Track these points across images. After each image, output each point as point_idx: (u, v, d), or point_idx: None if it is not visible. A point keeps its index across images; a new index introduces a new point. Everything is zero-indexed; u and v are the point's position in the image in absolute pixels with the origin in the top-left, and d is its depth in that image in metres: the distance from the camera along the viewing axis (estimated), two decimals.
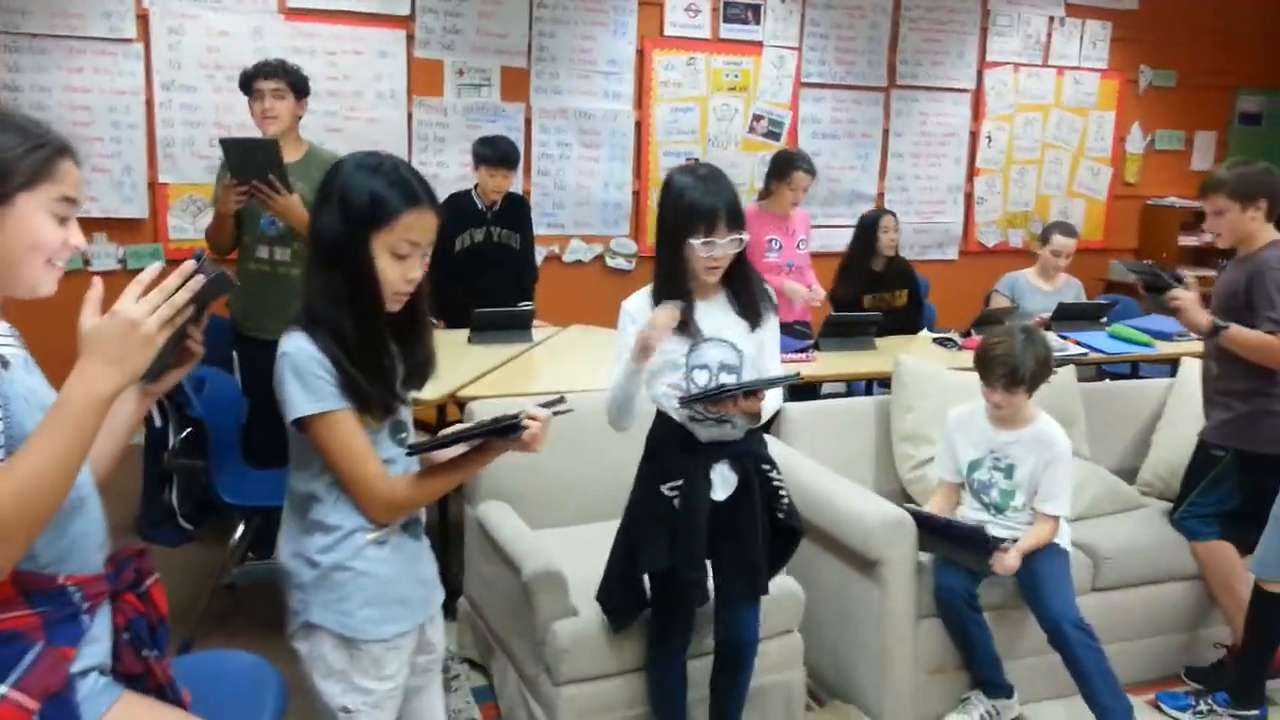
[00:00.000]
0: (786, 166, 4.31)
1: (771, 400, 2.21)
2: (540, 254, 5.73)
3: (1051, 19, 6.75)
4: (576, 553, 2.65)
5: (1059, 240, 4.68)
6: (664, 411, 2.24)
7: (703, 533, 2.19)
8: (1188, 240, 7.15)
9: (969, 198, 6.78)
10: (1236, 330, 2.77)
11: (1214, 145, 7.43)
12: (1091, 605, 2.82)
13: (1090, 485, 3.16)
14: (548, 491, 2.84)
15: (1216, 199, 2.91)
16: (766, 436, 3.20)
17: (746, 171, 6.16)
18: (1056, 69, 6.83)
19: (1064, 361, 3.78)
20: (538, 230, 5.71)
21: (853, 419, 3.32)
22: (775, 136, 6.22)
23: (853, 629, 2.73)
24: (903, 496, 3.20)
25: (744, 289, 2.24)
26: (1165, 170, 7.30)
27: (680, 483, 2.20)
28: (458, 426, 2.30)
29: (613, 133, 5.83)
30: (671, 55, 5.88)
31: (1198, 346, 4.19)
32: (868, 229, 4.68)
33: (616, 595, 2.32)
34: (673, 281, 2.16)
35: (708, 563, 2.24)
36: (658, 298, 2.17)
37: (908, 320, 4.66)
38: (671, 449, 2.23)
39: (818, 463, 3.02)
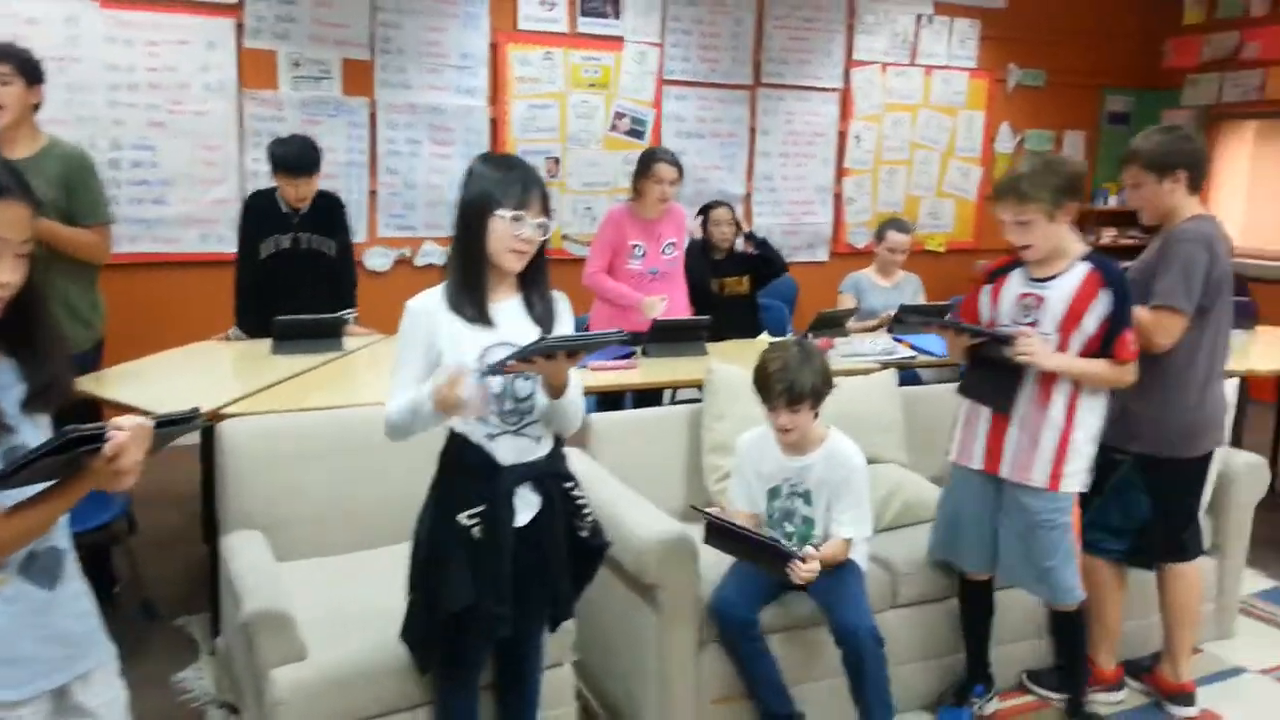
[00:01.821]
0: (648, 160, 4.14)
1: (574, 409, 2.06)
2: (390, 257, 5.52)
3: (919, 17, 6.72)
4: (342, 584, 2.46)
5: (894, 237, 4.68)
6: (458, 431, 2.03)
7: (508, 562, 2.01)
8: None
9: (838, 198, 6.72)
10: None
11: (1083, 144, 7.51)
12: (892, 623, 2.72)
13: (900, 494, 3.05)
14: (313, 516, 2.62)
15: (1132, 171, 2.68)
16: (570, 449, 3.09)
17: (610, 170, 6.01)
18: (925, 68, 6.80)
19: (887, 364, 3.70)
20: (385, 232, 5.52)
21: (664, 429, 3.16)
22: (639, 135, 6.07)
23: (637, 655, 2.57)
24: None
25: (539, 293, 2.08)
26: None
27: (480, 510, 2.00)
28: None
29: (466, 129, 5.61)
30: (527, 49, 5.68)
31: None
32: (702, 220, 4.61)
33: (420, 633, 2.10)
34: (470, 272, 1.98)
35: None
36: (451, 292, 1.99)
37: (748, 317, 4.57)
38: (468, 473, 2.03)
39: (621, 477, 2.85)
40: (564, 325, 2.10)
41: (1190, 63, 7.27)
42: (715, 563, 2.59)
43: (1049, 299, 2.47)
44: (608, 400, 3.76)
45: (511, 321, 2.03)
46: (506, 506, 2.01)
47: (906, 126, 6.83)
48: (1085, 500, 2.67)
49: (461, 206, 2.01)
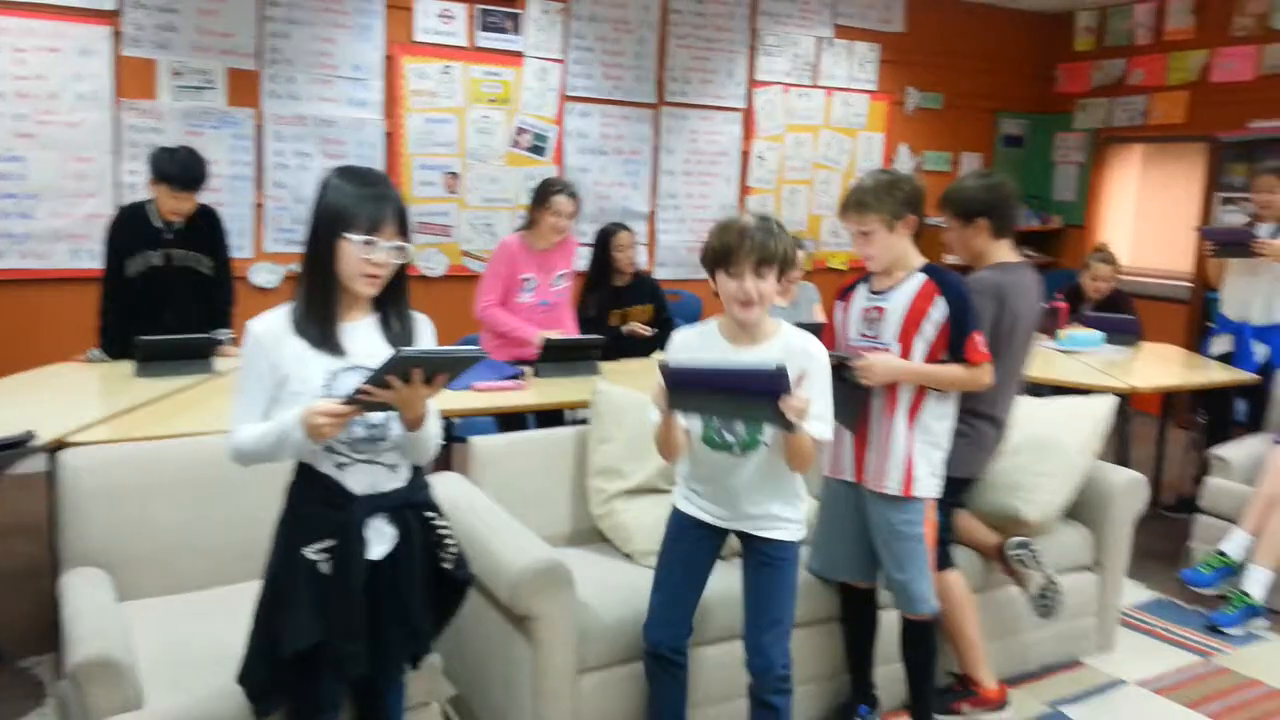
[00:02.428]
0: (545, 191, 4.05)
1: (432, 440, 1.95)
2: (278, 273, 5.32)
3: (820, 40, 6.80)
4: (190, 624, 2.30)
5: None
6: (305, 461, 1.91)
7: (359, 598, 1.88)
8: (954, 259, 7.34)
9: None
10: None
11: (980, 166, 7.67)
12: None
13: None
14: (160, 551, 2.44)
15: (945, 215, 2.82)
16: (447, 474, 2.98)
17: (511, 186, 5.91)
18: (826, 89, 6.88)
19: None
20: (273, 248, 5.32)
21: (549, 452, 3.07)
22: (540, 151, 5.99)
23: (512, 689, 2.47)
24: (598, 535, 2.98)
25: (397, 313, 1.96)
26: (934, 190, 7.34)
27: (329, 544, 1.87)
28: None
29: (359, 143, 5.45)
30: (424, 63, 5.56)
31: None
32: (603, 244, 4.52)
33: (259, 675, 1.95)
34: (318, 294, 1.86)
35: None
36: (298, 313, 1.87)
37: (658, 340, 4.50)
38: (316, 505, 1.90)
39: (503, 503, 2.76)
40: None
41: (1080, 88, 7.51)
42: (599, 591, 2.52)
43: (888, 310, 2.53)
44: (509, 422, 3.66)
45: (364, 344, 1.92)
46: (357, 539, 1.90)
47: (809, 146, 6.89)
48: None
49: (313, 222, 1.90)
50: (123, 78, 4.84)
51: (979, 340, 2.49)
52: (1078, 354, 4.57)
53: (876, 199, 2.47)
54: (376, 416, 1.90)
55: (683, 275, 6.43)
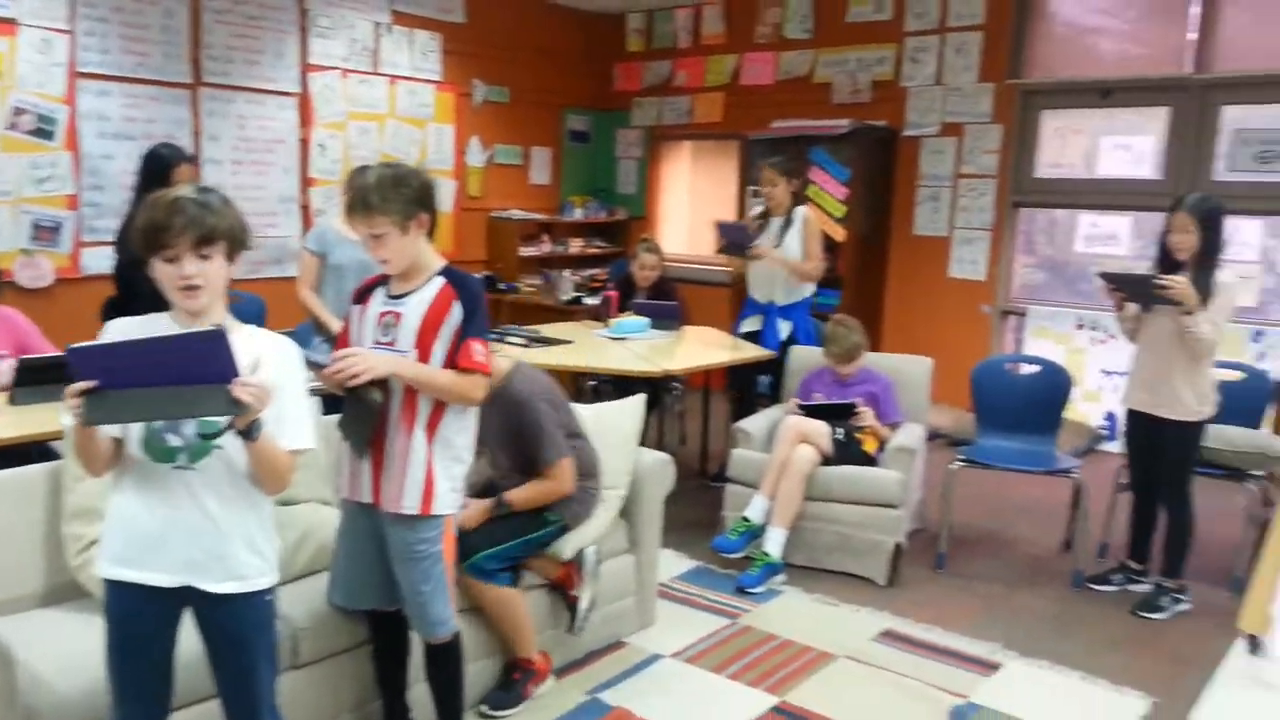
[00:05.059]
0: None
1: None
2: None
3: (378, 25, 6.55)
4: None
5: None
6: None
7: None
8: (528, 251, 7.51)
9: (306, 210, 6.33)
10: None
11: (550, 161, 7.89)
12: (297, 686, 2.46)
13: (316, 536, 2.78)
14: None
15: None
16: None
17: (12, 175, 5.04)
18: (389, 77, 6.66)
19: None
20: None
21: (13, 496, 2.58)
22: (48, 135, 5.17)
23: None
24: (77, 590, 2.56)
25: None
26: (506, 184, 7.57)
27: None
28: None
29: None
30: None
31: None
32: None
33: None
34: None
35: None
36: None
37: None
38: None
39: None
40: None
41: (635, 87, 7.96)
42: (61, 660, 2.13)
43: (405, 315, 2.38)
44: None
45: None
46: None
47: (374, 136, 6.63)
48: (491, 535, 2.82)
49: None
50: None
51: (476, 348, 2.36)
52: (626, 340, 4.79)
53: (383, 199, 2.29)
54: None
55: (239, 274, 5.89)
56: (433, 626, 2.45)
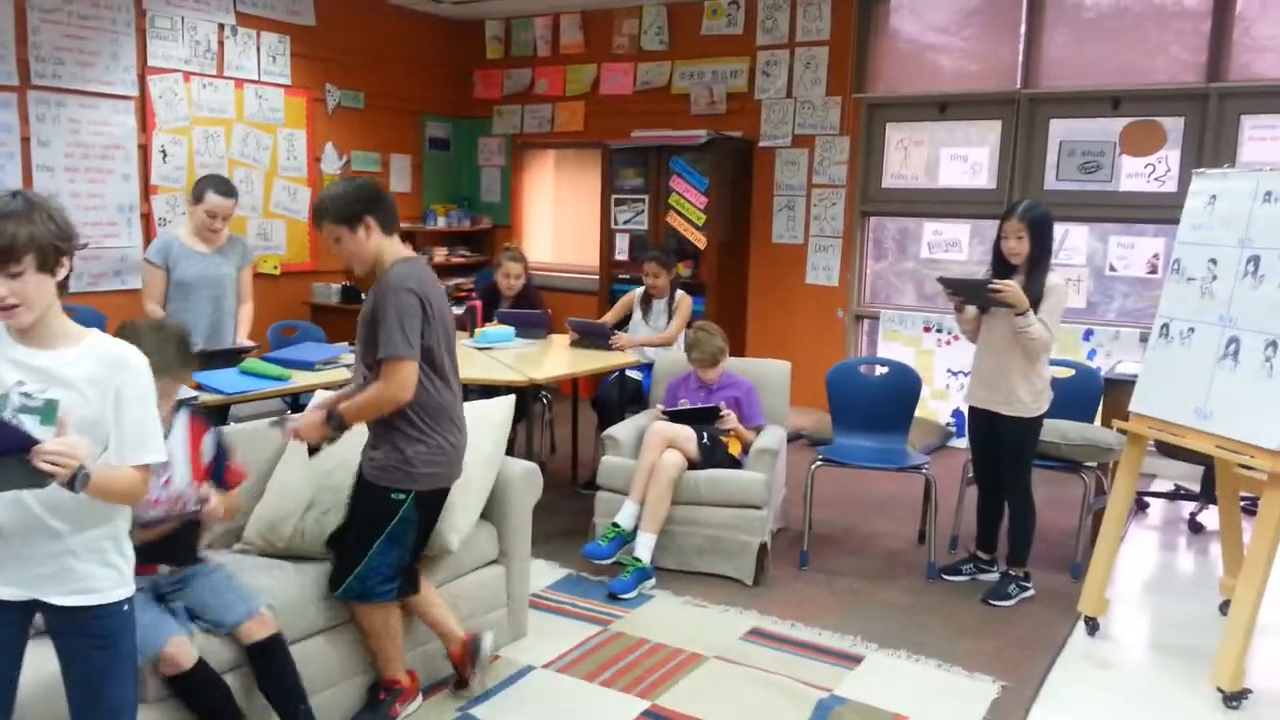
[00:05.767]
0: None
1: None
2: None
3: (221, 27, 6.29)
4: None
5: (214, 200, 4.09)
6: None
7: None
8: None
9: (148, 219, 6.01)
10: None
11: (409, 168, 7.74)
12: None
13: None
14: None
15: (327, 228, 2.67)
16: None
17: None
18: (235, 81, 6.40)
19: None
20: None
21: None
22: None
23: None
24: None
25: None
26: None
27: None
28: None
29: None
30: None
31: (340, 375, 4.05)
32: None
33: None
34: None
35: None
36: None
37: None
38: None
39: None
40: None
41: (495, 95, 7.91)
42: None
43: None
44: None
45: None
46: None
47: (221, 141, 6.36)
48: (350, 553, 2.75)
49: None
50: None
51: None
52: (491, 350, 4.75)
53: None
54: None
55: (79, 290, 5.56)
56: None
